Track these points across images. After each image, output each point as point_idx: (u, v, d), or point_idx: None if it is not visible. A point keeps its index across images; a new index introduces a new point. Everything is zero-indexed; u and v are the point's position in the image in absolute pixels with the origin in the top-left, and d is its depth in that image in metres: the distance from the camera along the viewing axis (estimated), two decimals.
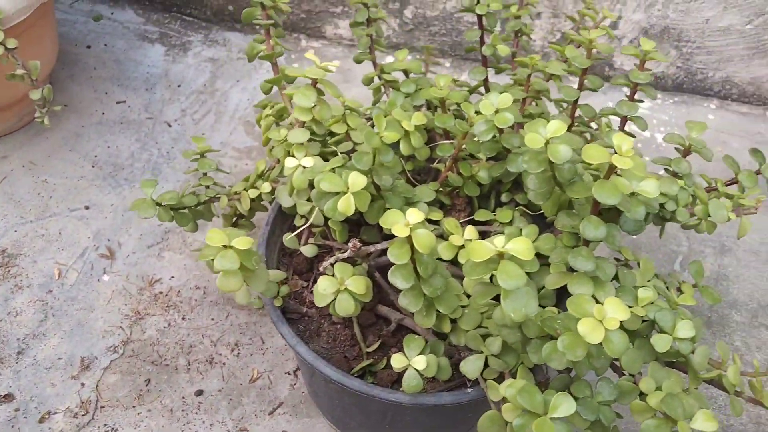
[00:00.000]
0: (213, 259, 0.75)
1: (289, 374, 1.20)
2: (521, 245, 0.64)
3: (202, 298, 1.29)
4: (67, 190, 1.48)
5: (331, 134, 0.99)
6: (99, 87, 1.71)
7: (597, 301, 0.69)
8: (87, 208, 1.45)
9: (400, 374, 0.84)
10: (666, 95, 1.77)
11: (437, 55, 1.79)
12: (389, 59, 1.80)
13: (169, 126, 1.62)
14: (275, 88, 1.06)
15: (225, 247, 0.75)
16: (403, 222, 0.71)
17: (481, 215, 0.95)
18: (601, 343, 0.65)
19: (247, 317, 1.27)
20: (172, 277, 1.33)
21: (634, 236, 1.49)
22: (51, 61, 1.58)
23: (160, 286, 1.32)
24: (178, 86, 1.72)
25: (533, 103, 0.97)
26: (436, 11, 1.70)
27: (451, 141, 0.96)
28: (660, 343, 0.80)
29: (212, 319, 1.27)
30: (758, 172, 0.91)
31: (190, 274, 1.33)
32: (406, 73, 1.10)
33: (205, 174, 1.08)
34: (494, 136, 0.84)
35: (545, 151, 0.70)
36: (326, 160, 0.92)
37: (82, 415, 1.13)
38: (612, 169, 0.67)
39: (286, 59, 1.83)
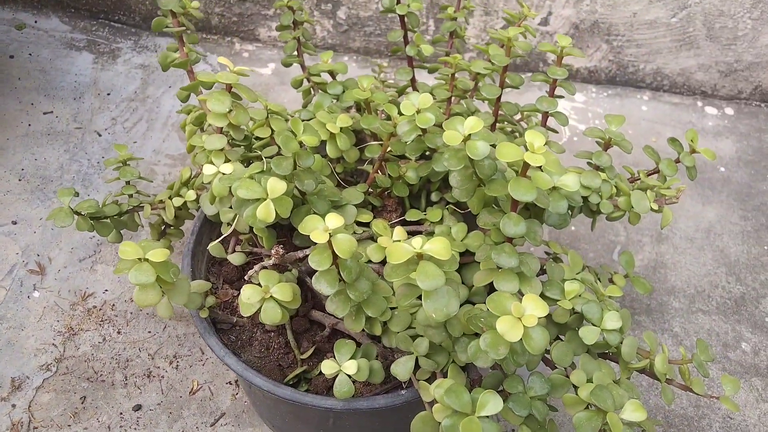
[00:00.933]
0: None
1: (231, 384, 1.17)
2: (439, 245, 0.64)
3: (138, 311, 1.26)
4: None
5: (258, 139, 0.98)
6: (24, 98, 1.65)
7: (522, 297, 0.69)
8: (14, 223, 1.39)
9: (335, 380, 0.83)
10: (600, 88, 1.80)
11: (374, 55, 1.78)
12: (331, 63, 1.78)
13: (99, 135, 1.57)
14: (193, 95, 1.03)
15: (140, 260, 0.72)
16: (323, 227, 0.70)
17: (411, 215, 0.95)
18: (522, 340, 0.64)
19: (186, 328, 1.24)
20: (106, 290, 1.29)
21: (573, 228, 1.51)
22: None
23: (93, 301, 1.28)
24: (108, 94, 1.67)
25: (461, 102, 0.97)
26: (370, 11, 1.69)
27: (380, 142, 0.95)
28: (588, 335, 0.80)
29: (149, 332, 1.23)
30: (677, 161, 0.92)
31: (124, 286, 1.29)
32: (332, 74, 1.09)
33: (128, 182, 1.04)
34: (419, 136, 0.83)
35: (464, 148, 0.70)
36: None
37: None
38: (527, 166, 0.67)
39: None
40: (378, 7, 1.68)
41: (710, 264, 1.45)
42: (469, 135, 0.68)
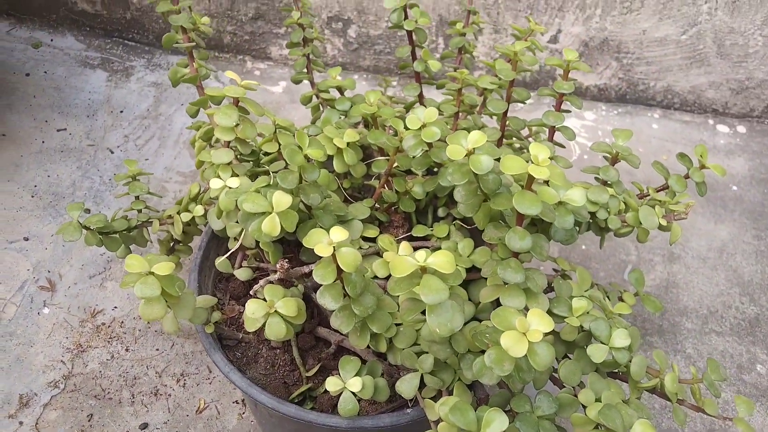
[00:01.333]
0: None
1: (237, 403, 1.17)
2: (442, 258, 0.63)
3: (146, 328, 1.26)
4: (5, 221, 1.43)
5: (266, 154, 0.98)
6: (39, 115, 1.67)
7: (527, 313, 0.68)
8: (26, 239, 1.40)
9: (340, 397, 0.82)
10: (610, 106, 1.79)
11: (384, 73, 1.79)
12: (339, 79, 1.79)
13: (112, 152, 1.59)
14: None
15: (146, 273, 0.72)
16: (327, 241, 0.69)
17: (418, 231, 0.94)
18: (527, 356, 0.63)
19: (193, 346, 1.23)
20: (115, 307, 1.29)
21: (584, 247, 1.50)
22: None
23: (102, 317, 1.28)
24: (121, 112, 1.69)
25: (468, 118, 0.97)
26: (379, 30, 1.70)
27: (386, 157, 0.95)
28: (596, 353, 0.79)
29: (157, 350, 1.23)
30: (687, 177, 0.91)
31: (133, 303, 1.29)
32: (341, 90, 1.09)
33: (137, 198, 1.05)
34: (425, 151, 0.83)
35: (468, 163, 0.69)
36: None
37: None
38: (532, 179, 0.67)
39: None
40: (388, 25, 1.70)
41: (723, 284, 1.43)
42: (473, 149, 0.68)
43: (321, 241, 0.69)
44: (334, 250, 0.69)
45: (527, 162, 0.64)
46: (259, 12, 1.76)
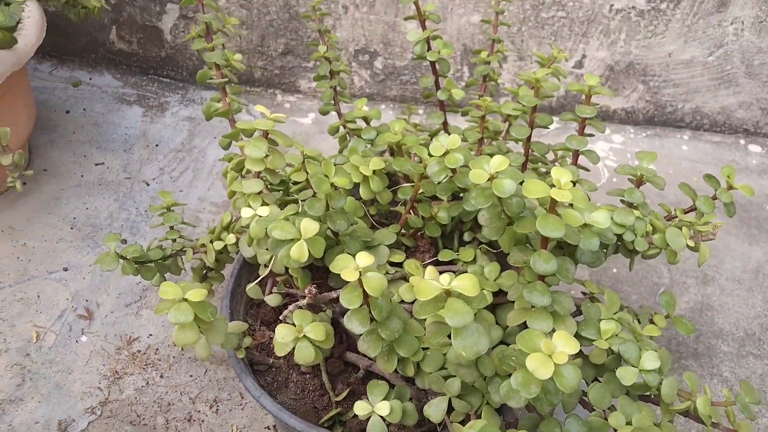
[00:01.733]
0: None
1: (269, 429, 1.18)
2: (466, 282, 0.64)
3: (180, 355, 1.28)
4: (46, 252, 1.48)
5: (295, 183, 1.01)
6: (78, 150, 1.73)
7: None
8: (66, 269, 1.45)
9: (368, 422, 0.83)
10: (639, 129, 1.79)
11: (410, 103, 1.82)
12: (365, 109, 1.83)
13: (147, 185, 1.64)
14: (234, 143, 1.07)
15: (179, 300, 0.75)
16: (353, 266, 0.71)
17: (444, 255, 0.96)
18: (553, 379, 0.64)
19: (226, 372, 1.25)
20: (150, 335, 1.32)
21: (615, 270, 1.49)
22: (27, 128, 1.61)
23: (138, 345, 1.31)
24: (156, 145, 1.74)
25: (492, 144, 0.98)
26: (405, 61, 1.74)
27: (411, 184, 0.97)
28: (626, 375, 0.79)
29: (191, 376, 1.25)
30: (714, 197, 0.91)
31: (167, 331, 1.32)
32: (367, 120, 1.12)
33: (171, 227, 1.08)
34: (449, 177, 0.85)
35: (491, 186, 0.71)
36: None
37: None
38: (555, 203, 0.68)
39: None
40: (412, 56, 1.73)
41: (760, 306, 1.41)
42: (496, 173, 0.69)
43: (347, 266, 0.71)
44: (360, 274, 0.70)
45: (550, 186, 0.65)
46: (288, 47, 1.81)
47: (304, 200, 0.94)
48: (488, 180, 0.70)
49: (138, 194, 1.61)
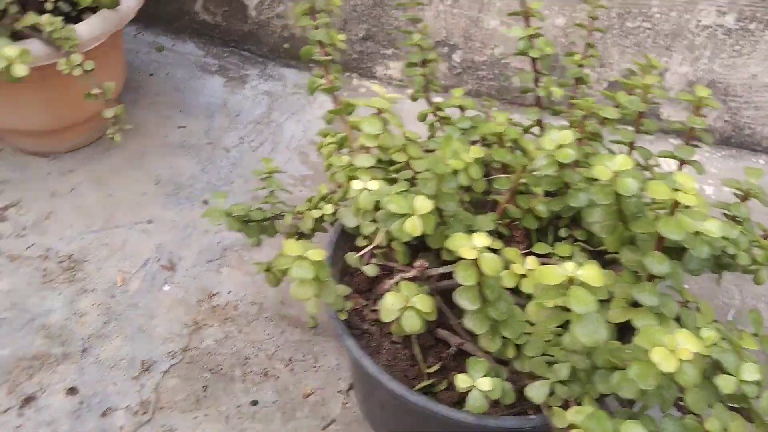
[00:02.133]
0: (278, 270, 0.81)
1: (341, 393, 1.25)
2: (592, 272, 0.69)
3: (258, 313, 1.36)
4: (130, 204, 1.57)
5: (391, 162, 1.07)
6: (161, 112, 1.81)
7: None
8: (149, 222, 1.53)
9: (461, 397, 0.87)
10: (714, 149, 1.80)
11: (484, 97, 1.87)
12: (437, 99, 1.88)
13: (228, 152, 1.72)
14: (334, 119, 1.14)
15: (299, 257, 0.81)
16: (470, 245, 0.77)
17: (539, 248, 0.99)
18: (670, 374, 0.67)
19: (301, 335, 1.33)
20: (230, 291, 1.40)
21: (686, 287, 1.51)
22: (120, 85, 1.70)
23: (218, 300, 1.39)
24: (236, 116, 1.82)
25: (589, 145, 1.04)
26: (484, 56, 1.79)
27: (508, 175, 1.02)
28: (725, 384, 0.79)
29: (268, 334, 1.33)
30: None
31: (247, 290, 1.40)
32: (461, 109, 1.18)
33: (272, 192, 1.16)
34: (555, 171, 0.89)
35: (612, 184, 0.75)
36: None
37: (142, 414, 1.20)
38: (676, 206, 0.72)
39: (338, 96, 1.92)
40: (492, 53, 1.78)
41: None
42: (619, 171, 0.75)
43: (465, 244, 0.77)
44: (478, 253, 0.76)
45: (674, 190, 0.70)
46: (369, 33, 1.87)
47: (407, 180, 1.00)
48: (611, 177, 0.75)
49: (219, 159, 1.69)
